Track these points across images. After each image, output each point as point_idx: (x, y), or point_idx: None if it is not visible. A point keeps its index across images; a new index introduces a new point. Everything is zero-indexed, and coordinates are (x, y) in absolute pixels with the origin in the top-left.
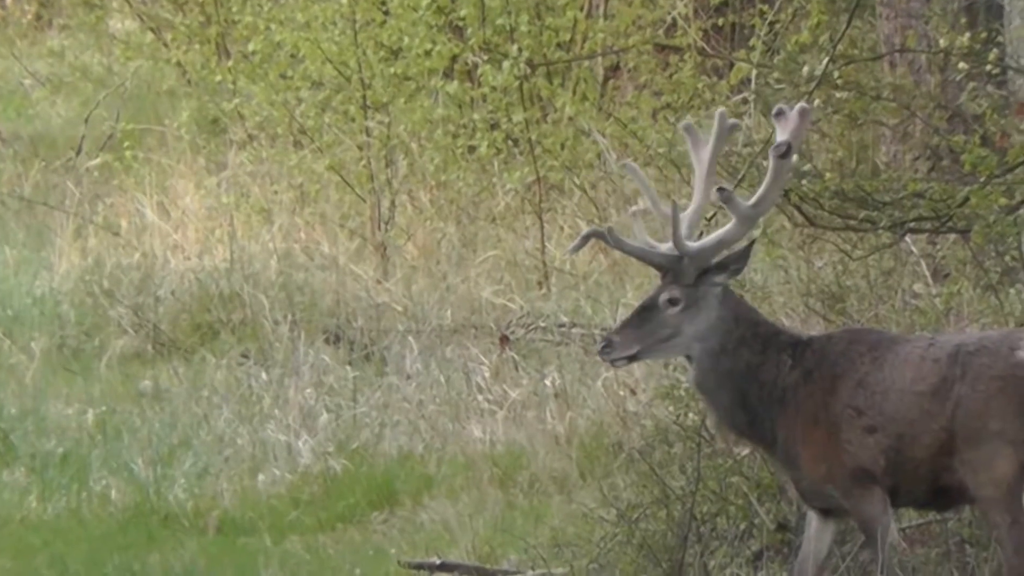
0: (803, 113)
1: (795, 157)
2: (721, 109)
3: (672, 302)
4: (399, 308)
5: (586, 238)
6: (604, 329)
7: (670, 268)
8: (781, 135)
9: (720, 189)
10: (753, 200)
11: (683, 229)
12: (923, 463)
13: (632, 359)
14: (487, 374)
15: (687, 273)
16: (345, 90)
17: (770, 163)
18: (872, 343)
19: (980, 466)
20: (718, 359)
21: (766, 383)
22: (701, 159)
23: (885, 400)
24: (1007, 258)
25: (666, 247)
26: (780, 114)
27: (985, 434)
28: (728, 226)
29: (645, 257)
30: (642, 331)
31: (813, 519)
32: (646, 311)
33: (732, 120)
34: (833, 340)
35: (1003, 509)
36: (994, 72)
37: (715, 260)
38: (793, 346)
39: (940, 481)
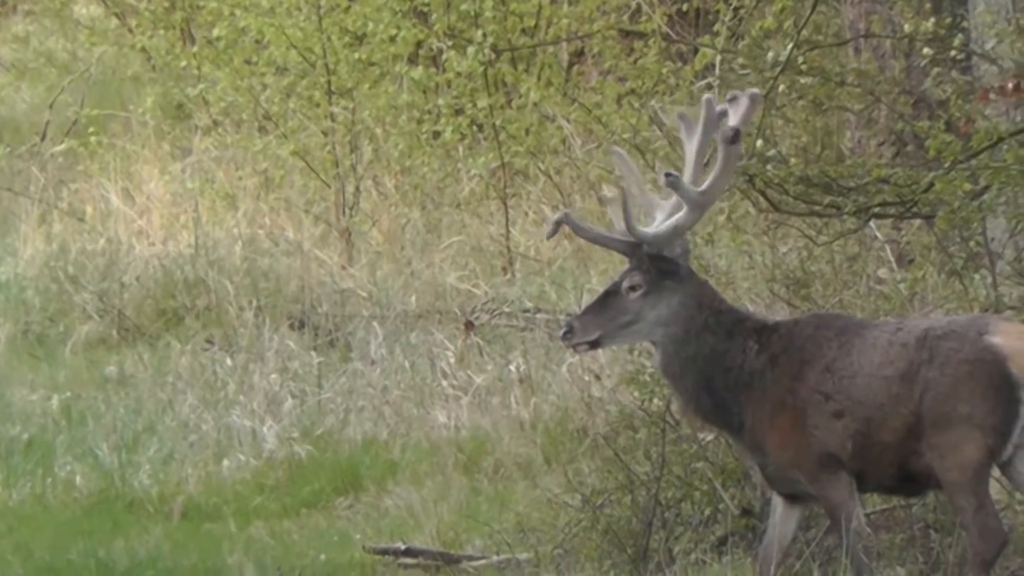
0: (753, 99)
1: (760, 143)
2: (708, 95)
3: (634, 288)
4: (364, 294)
5: (558, 224)
6: (569, 315)
7: (632, 254)
8: (732, 120)
9: (667, 174)
10: (703, 187)
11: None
12: (891, 448)
13: (594, 345)
14: (452, 360)
15: (647, 259)
16: (310, 76)
17: (719, 149)
18: (839, 328)
19: (947, 450)
20: (682, 345)
21: (732, 368)
22: (690, 147)
23: (853, 385)
24: (971, 244)
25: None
26: (733, 99)
27: (953, 418)
28: (681, 213)
29: (605, 243)
30: (604, 317)
31: (778, 504)
32: (609, 297)
33: (721, 107)
34: (800, 325)
35: (969, 493)
36: (959, 58)
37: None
38: (759, 331)
39: (908, 466)
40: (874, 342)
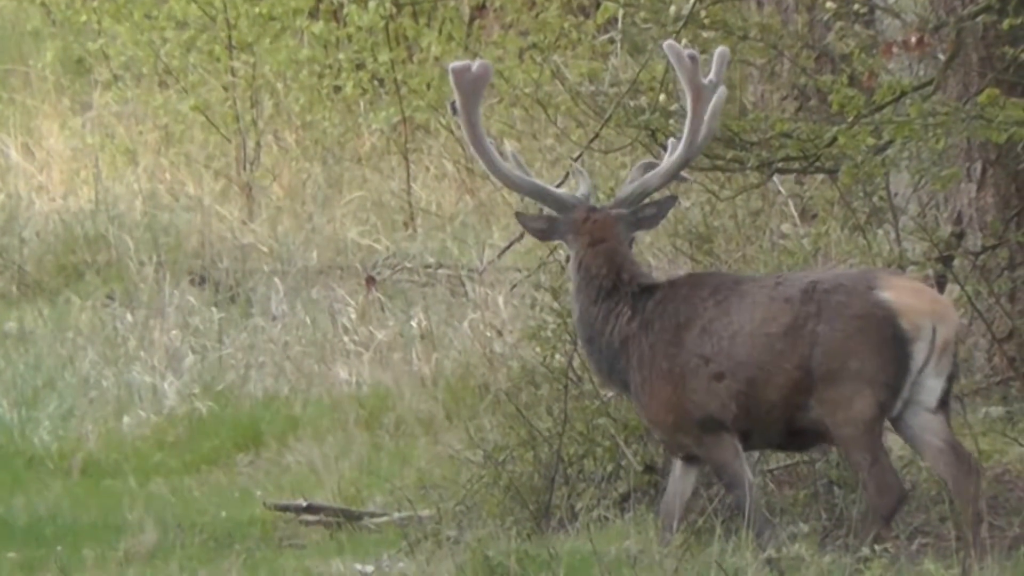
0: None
1: (663, 97)
2: (669, 41)
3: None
4: (265, 249)
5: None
6: (471, 270)
7: None
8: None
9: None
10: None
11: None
12: (777, 405)
13: None
14: (353, 315)
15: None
16: (210, 30)
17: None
18: (714, 286)
19: (838, 406)
20: (573, 304)
21: (604, 332)
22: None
23: (733, 345)
24: (875, 198)
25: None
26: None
27: (843, 374)
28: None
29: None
30: None
31: (677, 462)
32: None
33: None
34: (675, 287)
35: (863, 449)
36: (862, 12)
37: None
38: (636, 296)
39: (794, 422)
40: (753, 299)
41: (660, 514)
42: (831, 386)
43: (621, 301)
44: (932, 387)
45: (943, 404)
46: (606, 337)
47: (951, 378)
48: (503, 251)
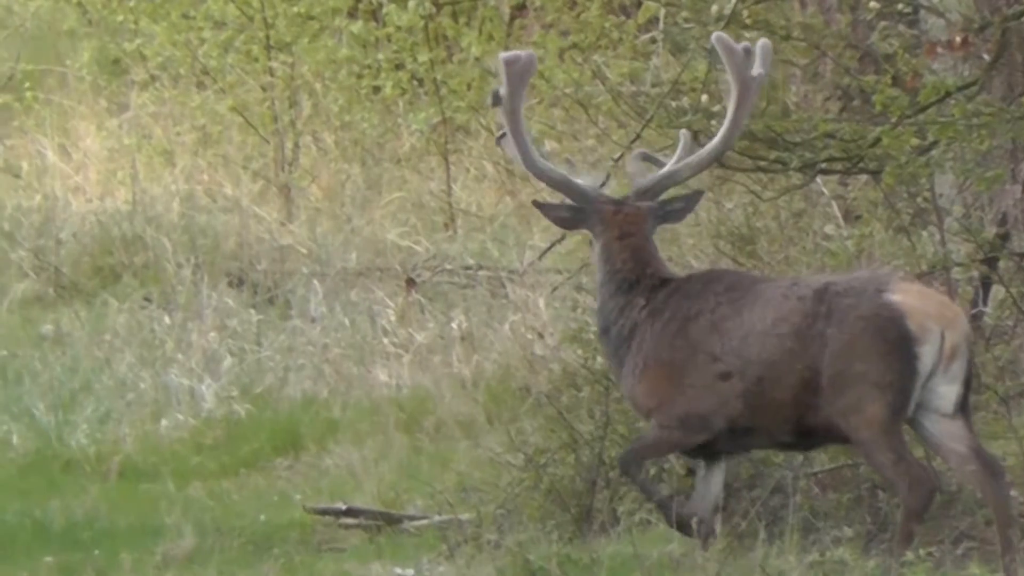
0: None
1: (704, 98)
2: (718, 33)
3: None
4: (303, 251)
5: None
6: (511, 272)
7: None
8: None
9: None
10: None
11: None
12: (787, 405)
13: None
14: (393, 317)
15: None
16: (248, 30)
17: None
18: (730, 284)
19: (850, 410)
20: (597, 295)
21: (617, 323)
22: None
23: (744, 345)
24: (919, 199)
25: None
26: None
27: (850, 376)
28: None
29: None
30: None
31: (700, 464)
32: None
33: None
34: (690, 281)
35: (884, 449)
36: (905, 11)
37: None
38: (652, 288)
39: (804, 421)
40: (768, 299)
41: (695, 520)
42: (839, 391)
43: (639, 294)
44: (945, 393)
45: (961, 409)
46: (618, 327)
47: (967, 383)
48: (544, 253)
